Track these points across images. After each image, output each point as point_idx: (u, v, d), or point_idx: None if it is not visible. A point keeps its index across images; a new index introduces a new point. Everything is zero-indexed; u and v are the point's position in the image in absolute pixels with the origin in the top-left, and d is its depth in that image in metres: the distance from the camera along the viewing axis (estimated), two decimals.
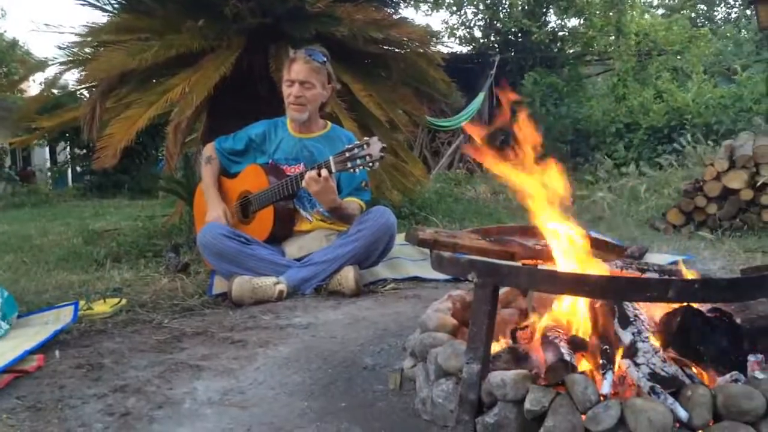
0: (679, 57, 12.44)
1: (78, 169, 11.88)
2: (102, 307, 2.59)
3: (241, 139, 3.23)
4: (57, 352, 2.06)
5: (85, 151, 9.92)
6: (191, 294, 2.88)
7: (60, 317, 2.38)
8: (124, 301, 2.69)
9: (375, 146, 2.66)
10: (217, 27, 3.87)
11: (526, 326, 1.74)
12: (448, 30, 14.11)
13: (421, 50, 4.42)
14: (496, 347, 1.61)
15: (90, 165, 9.22)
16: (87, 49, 4.25)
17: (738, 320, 1.61)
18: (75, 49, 4.17)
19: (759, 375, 1.36)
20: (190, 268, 3.37)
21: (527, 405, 1.35)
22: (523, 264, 1.74)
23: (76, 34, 4.17)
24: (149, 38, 3.92)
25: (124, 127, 3.63)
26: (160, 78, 4.07)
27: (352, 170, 2.72)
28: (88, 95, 4.47)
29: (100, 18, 4.54)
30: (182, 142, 4.59)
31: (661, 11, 18.05)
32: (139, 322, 2.47)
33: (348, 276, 2.84)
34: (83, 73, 4.15)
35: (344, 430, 1.50)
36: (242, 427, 1.53)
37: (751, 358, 1.45)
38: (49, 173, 13.77)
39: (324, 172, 2.76)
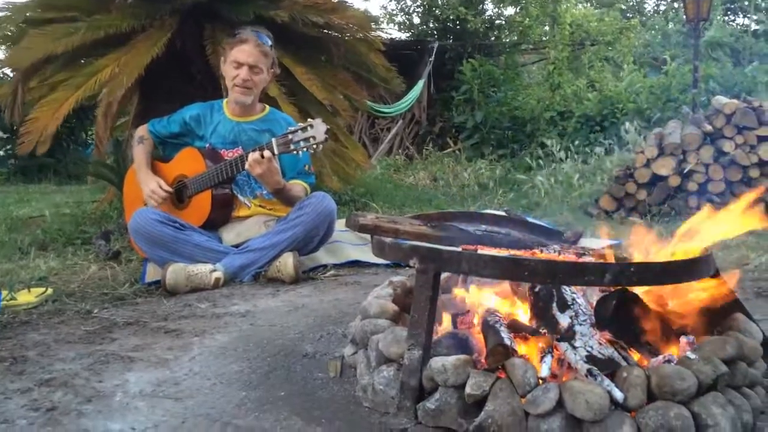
0: (610, 48, 12.78)
1: (0, 153, 11.30)
2: (26, 297, 2.47)
3: (176, 122, 3.13)
4: None
5: (8, 134, 9.43)
6: (122, 282, 2.77)
7: None
8: (50, 290, 2.57)
9: (319, 128, 2.62)
10: (149, 6, 3.72)
11: (467, 311, 1.74)
12: (387, 16, 14.08)
13: (361, 35, 4.38)
14: (437, 333, 1.61)
15: (13, 149, 8.80)
16: (10, 27, 4.02)
17: (670, 302, 1.66)
18: None
19: (691, 355, 1.40)
20: (122, 255, 3.25)
21: (468, 390, 1.35)
22: (464, 249, 1.73)
23: None
24: (76, 17, 3.73)
25: (50, 110, 3.46)
26: (88, 58, 3.89)
27: (295, 152, 2.67)
28: (11, 75, 4.25)
29: None
30: (112, 126, 4.42)
31: (594, 2, 18.49)
32: (66, 313, 2.36)
33: (287, 262, 2.80)
34: (5, 55, 3.94)
35: (284, 420, 1.47)
36: (176, 419, 1.48)
37: (682, 339, 1.50)
38: None
39: (267, 153, 2.70)
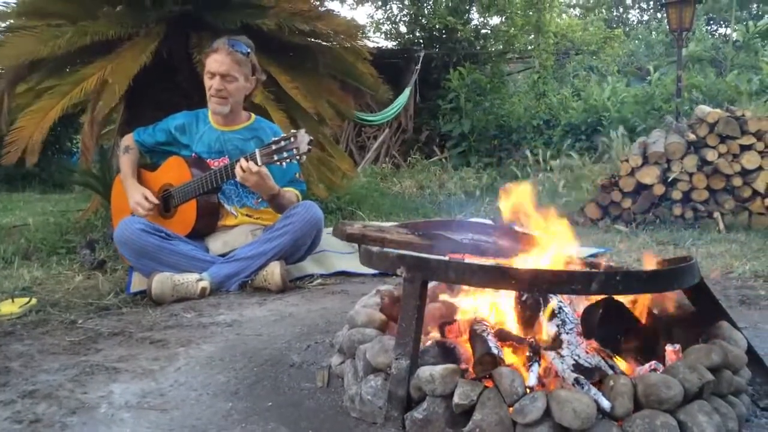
0: (594, 57, 12.91)
1: None
2: (9, 308, 2.44)
3: (162, 131, 3.12)
4: None
5: None
6: (107, 292, 2.75)
7: None
8: (34, 300, 2.54)
9: (302, 139, 2.62)
10: (136, 14, 3.70)
11: (454, 320, 1.74)
12: (374, 25, 14.12)
13: (348, 44, 4.38)
14: (424, 342, 1.60)
15: None
16: None
17: (655, 311, 1.67)
18: None
19: (677, 364, 1.40)
20: (107, 265, 3.23)
21: (456, 399, 1.35)
22: (451, 258, 1.74)
23: None
24: (62, 24, 3.71)
25: (36, 119, 3.43)
26: (74, 66, 3.87)
27: (278, 163, 2.66)
28: None
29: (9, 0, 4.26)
30: (98, 134, 4.38)
31: (577, 11, 18.69)
32: (50, 323, 2.33)
33: (274, 272, 2.79)
34: None
35: (270, 430, 1.47)
36: (162, 430, 1.47)
37: (668, 347, 1.51)
38: None
39: (254, 166, 2.69)
